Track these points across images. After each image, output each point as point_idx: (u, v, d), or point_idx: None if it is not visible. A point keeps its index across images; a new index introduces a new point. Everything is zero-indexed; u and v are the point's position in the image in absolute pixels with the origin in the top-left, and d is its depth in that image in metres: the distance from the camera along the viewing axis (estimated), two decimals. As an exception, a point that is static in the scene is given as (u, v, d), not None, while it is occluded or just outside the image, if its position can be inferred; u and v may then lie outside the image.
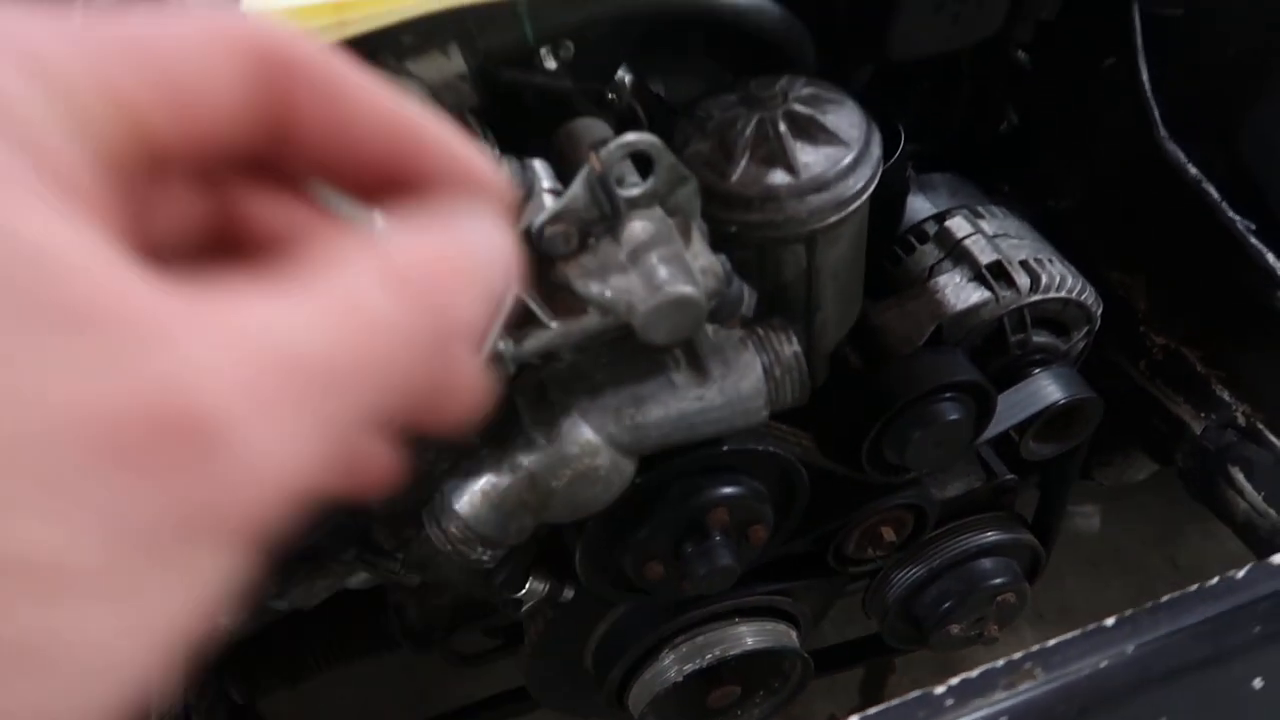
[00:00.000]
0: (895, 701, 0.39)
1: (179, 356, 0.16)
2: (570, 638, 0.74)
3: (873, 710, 0.40)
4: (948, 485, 0.77)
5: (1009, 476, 0.78)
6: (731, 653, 0.73)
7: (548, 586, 0.67)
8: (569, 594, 0.69)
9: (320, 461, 0.18)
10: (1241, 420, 0.80)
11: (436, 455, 0.53)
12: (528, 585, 0.67)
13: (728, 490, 0.59)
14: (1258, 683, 0.35)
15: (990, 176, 0.85)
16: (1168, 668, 0.36)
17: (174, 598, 0.16)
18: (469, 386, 0.22)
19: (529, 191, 0.45)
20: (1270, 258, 0.76)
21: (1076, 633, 0.37)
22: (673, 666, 0.73)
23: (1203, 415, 0.81)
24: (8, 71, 0.16)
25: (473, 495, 0.51)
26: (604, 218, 0.44)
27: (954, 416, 0.62)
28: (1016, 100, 0.86)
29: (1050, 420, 0.69)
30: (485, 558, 0.53)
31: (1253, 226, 0.77)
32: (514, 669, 1.11)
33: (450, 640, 0.88)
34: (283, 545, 0.18)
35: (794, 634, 0.77)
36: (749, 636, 0.74)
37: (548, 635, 0.73)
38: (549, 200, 0.45)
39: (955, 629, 0.82)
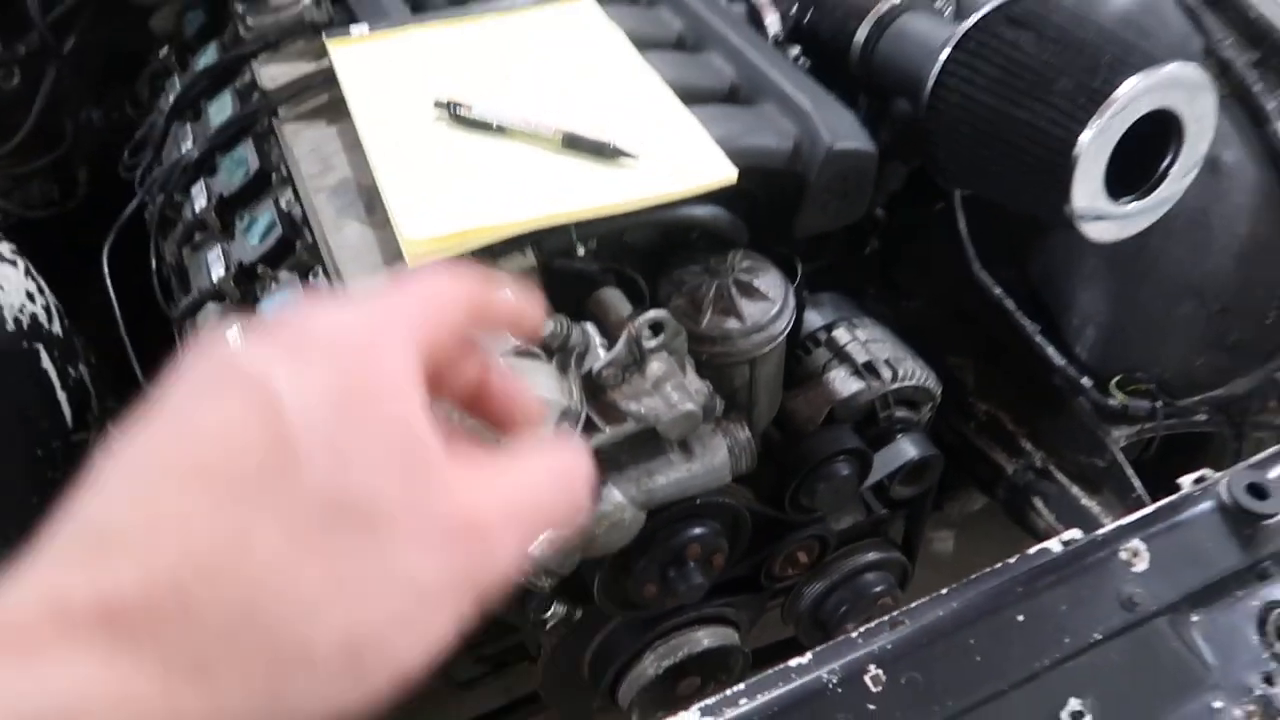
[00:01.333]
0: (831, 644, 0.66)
1: (478, 500, 0.31)
2: (575, 649, 0.99)
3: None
4: (841, 520, 1.06)
5: (883, 511, 1.08)
6: (694, 651, 0.99)
7: (566, 609, 0.93)
8: (578, 614, 0.94)
9: (516, 567, 0.33)
10: (1039, 463, 1.13)
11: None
12: (552, 608, 0.91)
13: (698, 531, 0.86)
14: (1020, 618, 0.65)
15: (860, 283, 1.17)
16: (976, 613, 0.65)
17: (455, 618, 0.30)
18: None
19: (586, 345, 0.72)
20: (1051, 350, 1.09)
21: (925, 599, 0.66)
22: (652, 664, 0.98)
23: (1013, 460, 1.13)
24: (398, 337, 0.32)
25: (542, 542, 0.76)
26: (635, 362, 0.71)
27: (845, 472, 0.92)
28: (877, 232, 1.19)
29: (909, 470, 0.99)
30: (546, 585, 0.78)
31: (1040, 328, 1.11)
32: (499, 691, 1.34)
33: (447, 666, 1.11)
34: None
35: (736, 636, 1.04)
36: (705, 638, 1.00)
37: (561, 648, 0.97)
38: (602, 351, 0.71)
39: (850, 628, 1.10)
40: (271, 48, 1.01)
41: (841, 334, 1.02)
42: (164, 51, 1.14)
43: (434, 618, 0.30)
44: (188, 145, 0.99)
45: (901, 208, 1.13)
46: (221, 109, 0.99)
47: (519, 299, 0.38)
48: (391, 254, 0.75)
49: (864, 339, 1.01)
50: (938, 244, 1.15)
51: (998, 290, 1.09)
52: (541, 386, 0.68)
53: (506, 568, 0.32)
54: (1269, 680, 0.67)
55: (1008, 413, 1.15)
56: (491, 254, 0.73)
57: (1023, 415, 1.15)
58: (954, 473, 1.12)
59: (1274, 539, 0.71)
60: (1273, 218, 1.07)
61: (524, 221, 0.72)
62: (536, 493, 0.34)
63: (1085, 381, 1.07)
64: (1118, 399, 1.07)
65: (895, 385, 0.98)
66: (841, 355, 1.00)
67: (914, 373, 1.00)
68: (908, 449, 0.99)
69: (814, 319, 1.05)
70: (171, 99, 1.05)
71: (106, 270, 0.95)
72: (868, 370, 0.98)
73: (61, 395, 0.87)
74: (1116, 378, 1.08)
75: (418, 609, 0.29)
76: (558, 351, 0.71)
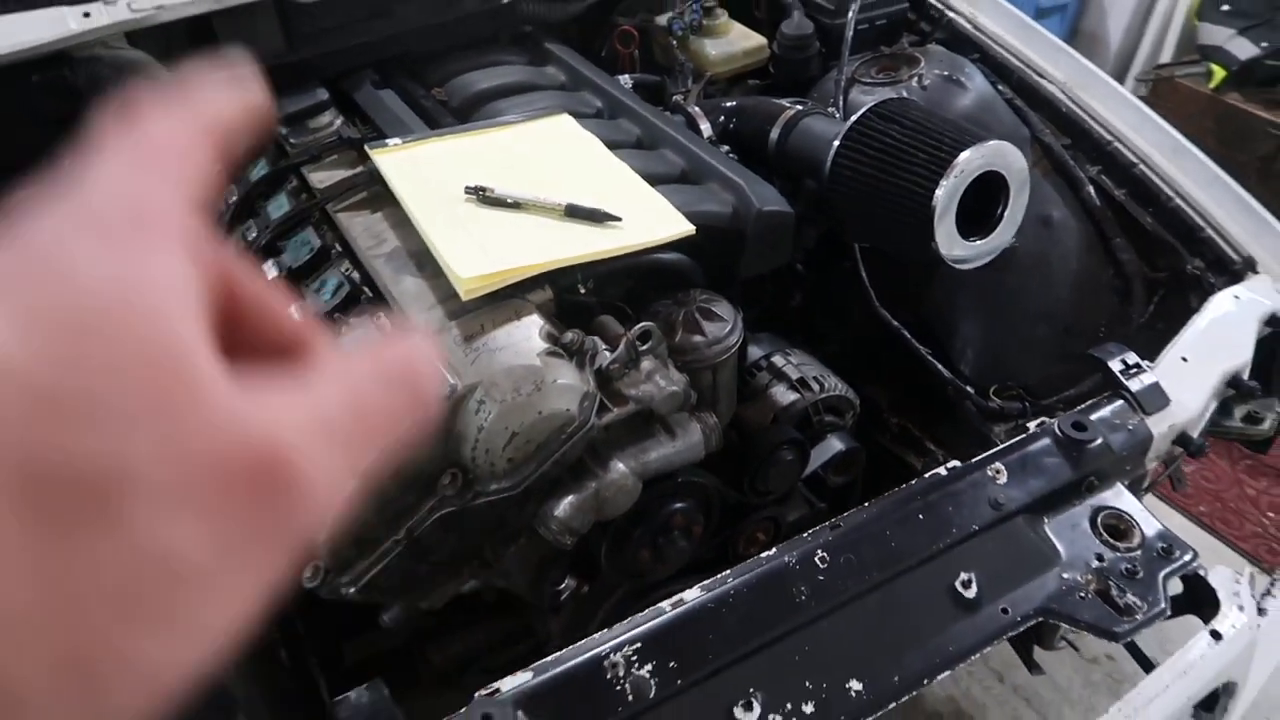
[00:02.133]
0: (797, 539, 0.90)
1: (267, 424, 0.23)
2: (584, 624, 1.21)
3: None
4: (790, 512, 1.31)
5: (821, 505, 1.33)
6: (679, 619, 1.21)
7: (576, 582, 1.15)
8: (585, 589, 1.16)
9: (346, 495, 0.25)
10: (942, 459, 1.40)
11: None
12: (565, 580, 1.14)
13: (680, 505, 1.10)
14: (921, 516, 0.91)
15: (789, 329, 1.45)
16: (891, 514, 0.91)
17: (252, 589, 0.23)
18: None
19: (595, 350, 0.97)
20: (944, 370, 1.39)
21: (855, 508, 0.92)
22: (646, 632, 1.20)
23: (921, 458, 1.41)
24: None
25: (566, 505, 0.99)
26: (632, 360, 0.97)
27: (790, 458, 1.18)
28: (801, 287, 1.49)
29: (838, 461, 1.26)
30: (568, 543, 1.01)
31: (931, 351, 1.41)
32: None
33: (462, 678, 1.31)
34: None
35: (712, 610, 1.27)
36: (688, 610, 1.23)
37: (573, 621, 1.19)
38: (606, 354, 0.97)
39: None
40: (315, 159, 1.28)
41: (778, 359, 1.29)
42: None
43: (212, 598, 0.23)
44: (252, 235, 1.24)
45: (817, 267, 1.44)
46: (279, 206, 1.25)
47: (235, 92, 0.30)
48: (444, 294, 1.01)
49: (796, 362, 1.30)
50: (847, 293, 1.45)
51: (895, 323, 1.38)
52: (566, 377, 0.94)
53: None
54: (1100, 559, 0.94)
55: (914, 422, 1.44)
56: (520, 289, 1.00)
57: (926, 423, 1.43)
58: (875, 475, 1.39)
59: (1094, 460, 0.99)
60: (1093, 258, 1.40)
61: (545, 263, 0.99)
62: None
63: (970, 390, 1.36)
64: (995, 403, 1.36)
65: (822, 395, 1.26)
66: (779, 375, 1.28)
67: (836, 386, 1.28)
68: (835, 444, 1.26)
69: (755, 351, 1.33)
70: (232, 202, 1.30)
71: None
72: (801, 385, 1.26)
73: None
74: (993, 386, 1.37)
75: (181, 593, 0.22)
76: (575, 354, 0.97)
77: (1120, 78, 3.39)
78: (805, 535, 0.90)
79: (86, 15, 1.28)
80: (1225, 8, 2.97)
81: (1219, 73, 2.97)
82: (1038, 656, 1.15)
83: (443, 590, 1.08)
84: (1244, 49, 2.90)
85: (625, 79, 1.49)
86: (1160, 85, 3.16)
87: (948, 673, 0.85)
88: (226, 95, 0.30)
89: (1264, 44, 2.86)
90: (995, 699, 1.74)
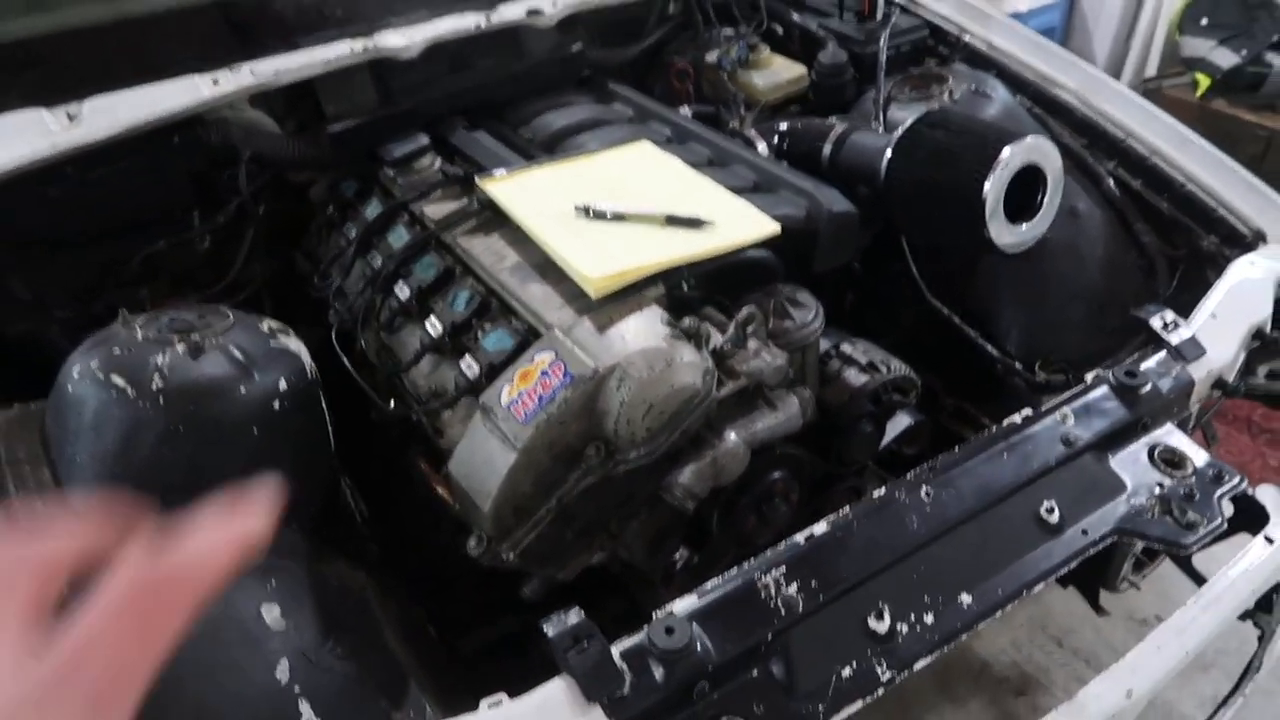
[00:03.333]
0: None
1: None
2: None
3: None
4: (868, 485, 1.45)
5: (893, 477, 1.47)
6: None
7: (688, 553, 1.28)
8: (696, 559, 1.30)
9: None
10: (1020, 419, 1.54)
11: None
12: (679, 550, 1.27)
13: (779, 474, 1.25)
14: (1005, 455, 1.06)
15: (845, 327, 1.60)
16: (978, 454, 1.05)
17: None
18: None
19: (709, 334, 1.12)
20: (990, 348, 1.54)
21: (949, 451, 1.06)
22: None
23: (972, 431, 1.55)
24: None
25: (689, 472, 1.13)
26: (740, 341, 1.12)
27: (869, 429, 1.33)
28: (854, 288, 1.64)
29: (908, 433, 1.41)
30: (690, 506, 1.15)
31: (978, 334, 1.56)
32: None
33: None
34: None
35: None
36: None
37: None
38: (718, 337, 1.12)
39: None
40: (424, 195, 1.44)
41: (846, 347, 1.44)
42: (329, 209, 1.56)
43: None
44: (377, 264, 1.40)
45: (869, 268, 1.60)
46: (399, 237, 1.41)
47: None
48: (570, 295, 1.16)
49: (862, 349, 1.44)
50: (897, 290, 1.60)
51: (946, 310, 1.54)
52: (690, 355, 1.08)
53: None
54: (1161, 486, 1.09)
55: (969, 401, 1.59)
56: (636, 287, 1.15)
57: (979, 400, 1.58)
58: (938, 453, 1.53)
59: (1146, 403, 1.14)
60: (1118, 243, 1.56)
61: (658, 262, 1.14)
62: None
63: (1017, 366, 1.51)
64: (1041, 376, 1.51)
65: (890, 376, 1.41)
66: (849, 360, 1.42)
67: (900, 368, 1.43)
68: (904, 419, 1.41)
69: (824, 343, 1.48)
70: (353, 237, 1.46)
71: (338, 348, 1.33)
72: (870, 368, 1.41)
73: (329, 428, 1.22)
74: (1038, 361, 1.52)
75: None
76: (693, 337, 1.12)
77: (1110, 92, 3.58)
78: (908, 476, 1.04)
79: (215, 82, 1.45)
80: (1204, 21, 3.18)
81: (1204, 81, 3.17)
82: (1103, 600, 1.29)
83: (577, 562, 1.22)
84: (1225, 58, 3.10)
85: (685, 109, 1.66)
86: (1149, 96, 3.34)
87: (1042, 585, 0.99)
88: (68, 533, 0.40)
89: (1243, 52, 3.07)
90: (1057, 663, 1.87)
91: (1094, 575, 1.31)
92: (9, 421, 1.13)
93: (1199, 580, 1.21)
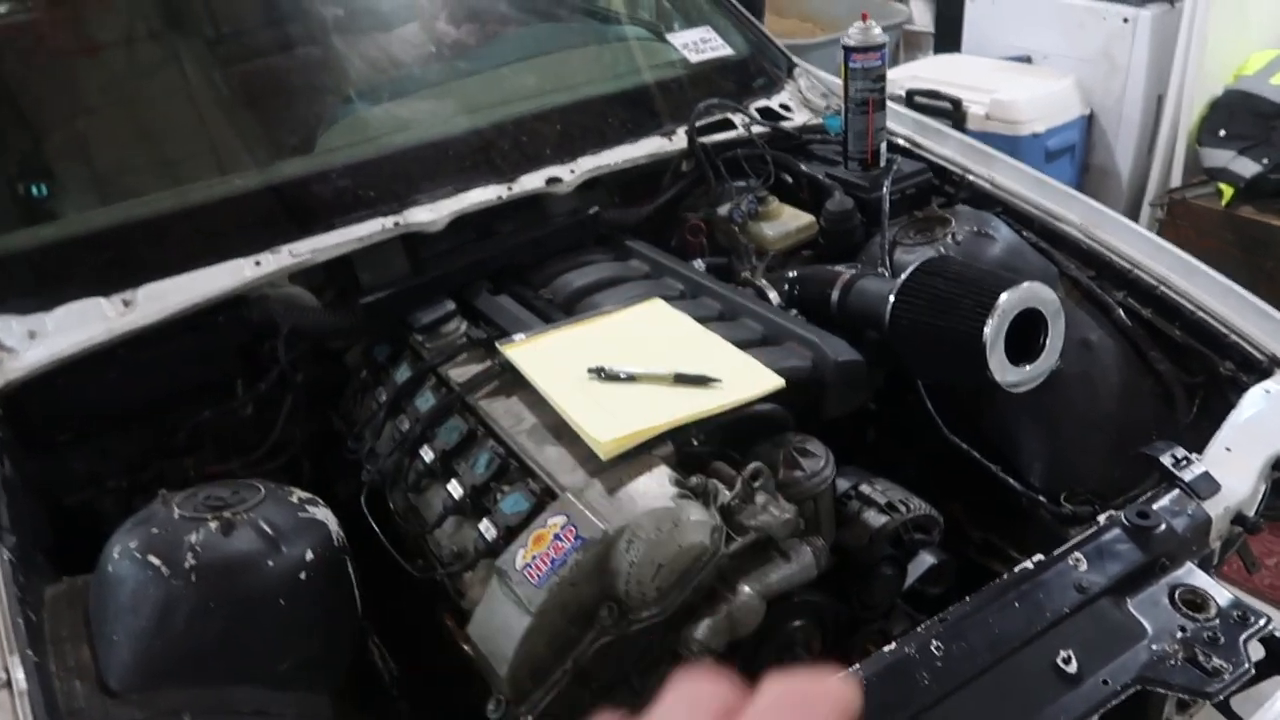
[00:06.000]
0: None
1: None
2: None
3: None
4: (895, 626, 1.44)
5: (921, 616, 1.46)
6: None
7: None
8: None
9: None
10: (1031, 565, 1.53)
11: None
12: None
13: (799, 622, 1.25)
14: (1016, 604, 1.05)
15: (868, 463, 1.62)
16: (990, 604, 1.05)
17: None
18: None
19: (716, 490, 1.16)
20: (1014, 483, 1.53)
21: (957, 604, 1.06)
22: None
23: (1005, 566, 1.53)
24: None
25: (704, 628, 1.15)
26: (748, 497, 1.15)
27: (890, 572, 1.33)
28: (874, 424, 1.66)
29: (932, 573, 1.40)
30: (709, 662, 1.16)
31: (1002, 468, 1.56)
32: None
33: None
34: None
35: None
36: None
37: None
38: (726, 493, 1.15)
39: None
40: (450, 359, 1.52)
41: (865, 488, 1.46)
42: (363, 374, 1.64)
43: None
44: (405, 426, 1.47)
45: (886, 403, 1.62)
46: (425, 400, 1.48)
47: None
48: (583, 457, 1.21)
49: (881, 489, 1.45)
50: (916, 424, 1.62)
51: (966, 446, 1.55)
52: (697, 514, 1.11)
53: None
54: (1183, 630, 1.07)
55: (995, 534, 1.57)
56: (646, 447, 1.19)
57: (1005, 533, 1.57)
58: (965, 588, 1.51)
59: (1161, 543, 1.13)
60: (1133, 371, 1.57)
61: (666, 422, 1.19)
62: None
63: (1042, 499, 1.50)
64: (1068, 508, 1.50)
65: (910, 515, 1.41)
66: (868, 501, 1.43)
67: (921, 506, 1.43)
68: (927, 558, 1.40)
69: (842, 483, 1.49)
70: (383, 400, 1.54)
71: (366, 509, 1.38)
72: (889, 508, 1.42)
73: (356, 592, 1.27)
74: (1064, 493, 1.52)
75: None
76: (701, 495, 1.15)
77: (1136, 204, 3.63)
78: (919, 629, 1.05)
79: (258, 264, 1.57)
80: (1221, 133, 3.22)
81: (1228, 190, 3.19)
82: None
83: (599, 720, 1.22)
84: (1247, 168, 3.13)
85: (699, 263, 1.74)
86: (1175, 207, 3.39)
87: (1064, 741, 0.97)
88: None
89: (1264, 160, 3.09)
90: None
91: (1135, 718, 1.27)
92: (56, 598, 1.20)
93: (1239, 723, 1.17)
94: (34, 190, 1.69)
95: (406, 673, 1.37)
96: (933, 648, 1.01)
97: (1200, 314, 1.52)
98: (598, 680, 1.15)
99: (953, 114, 3.46)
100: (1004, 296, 1.29)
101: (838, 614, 1.31)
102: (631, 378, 1.30)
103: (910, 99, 3.47)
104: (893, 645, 1.03)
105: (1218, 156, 3.26)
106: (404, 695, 1.33)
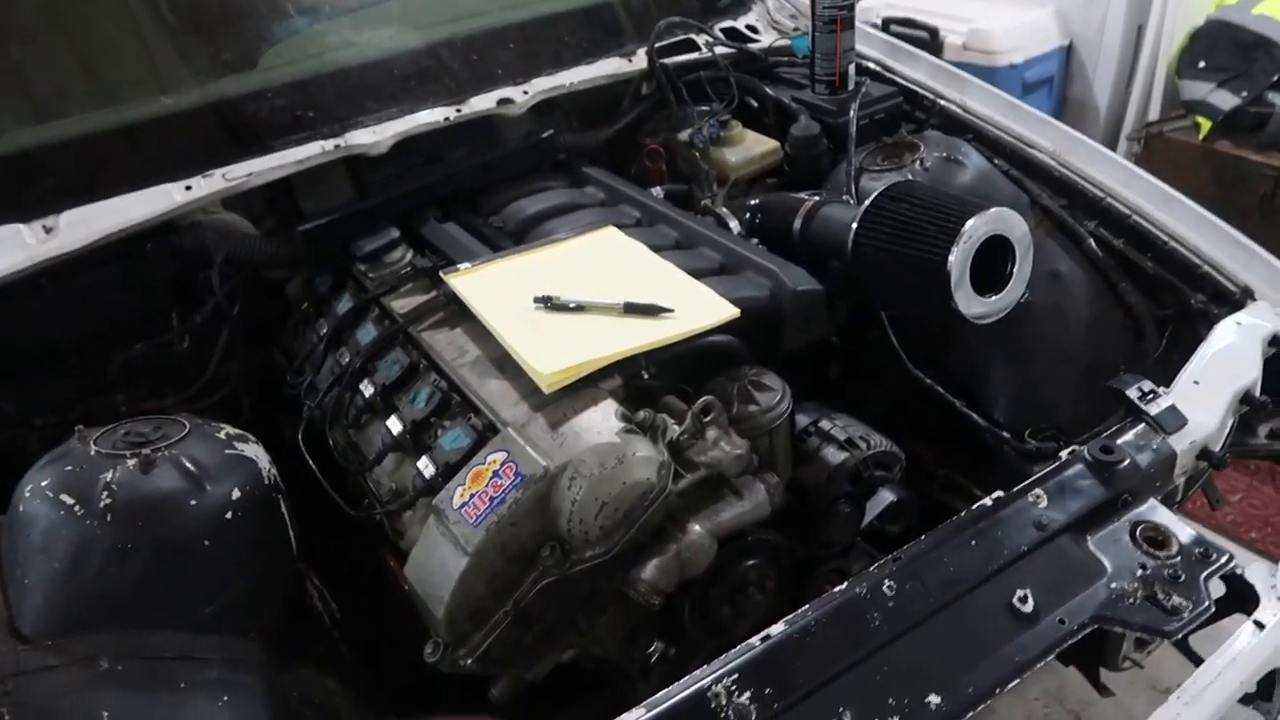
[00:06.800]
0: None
1: None
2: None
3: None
4: (853, 565, 1.41)
5: (880, 555, 1.43)
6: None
7: (664, 645, 1.24)
8: (673, 651, 1.26)
9: None
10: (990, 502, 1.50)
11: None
12: (654, 644, 1.23)
13: (753, 561, 1.21)
14: (973, 542, 1.01)
15: (831, 398, 1.57)
16: (946, 542, 1.01)
17: None
18: None
19: (665, 425, 1.10)
20: (980, 420, 1.49)
21: (912, 541, 1.02)
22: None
23: (967, 503, 1.50)
24: None
25: (651, 567, 1.10)
26: (698, 431, 1.10)
27: (847, 510, 1.29)
28: (837, 359, 1.61)
29: (892, 510, 1.36)
30: (656, 602, 1.12)
31: (967, 404, 1.51)
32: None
33: None
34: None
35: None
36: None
37: (663, 685, 1.28)
38: (675, 428, 1.10)
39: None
40: (393, 289, 1.44)
41: (824, 424, 1.41)
42: (304, 306, 1.56)
43: None
44: (345, 360, 1.40)
45: (850, 338, 1.57)
46: (367, 333, 1.41)
47: None
48: (526, 391, 1.15)
49: (841, 425, 1.41)
50: (881, 359, 1.57)
51: (929, 381, 1.50)
52: (644, 450, 1.06)
53: None
54: (1144, 567, 1.04)
55: (959, 471, 1.54)
56: (593, 379, 1.13)
57: (969, 470, 1.53)
58: (930, 526, 1.48)
59: (1124, 479, 1.09)
60: (1103, 303, 1.53)
61: (612, 354, 1.13)
62: None
63: (1006, 435, 1.46)
64: (1032, 444, 1.46)
65: (870, 451, 1.37)
66: (827, 438, 1.39)
67: (881, 443, 1.39)
68: (887, 495, 1.37)
69: (802, 419, 1.45)
70: (324, 333, 1.46)
71: (304, 448, 1.32)
72: (848, 444, 1.37)
73: (291, 532, 1.21)
74: (1028, 429, 1.48)
75: None
76: (648, 430, 1.09)
77: (1113, 138, 3.56)
78: (872, 568, 1.00)
79: (188, 188, 1.47)
80: (1201, 64, 3.15)
81: (1205, 124, 3.13)
82: (1105, 679, 1.23)
83: (544, 661, 1.18)
84: (1225, 100, 3.07)
85: (657, 190, 1.66)
86: (1152, 141, 3.33)
87: (1017, 681, 0.94)
88: None
89: (1243, 93, 3.03)
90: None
91: (1093, 655, 1.25)
92: (-26, 539, 1.13)
93: (1196, 660, 1.14)
94: (-56, 108, 1.57)
95: (350, 616, 1.33)
96: (885, 588, 0.97)
97: (1173, 244, 1.47)
98: (541, 622, 1.11)
99: (929, 44, 3.35)
100: (970, 222, 1.23)
101: (793, 553, 1.27)
102: (580, 308, 1.24)
103: (886, 27, 3.36)
104: (844, 585, 0.98)
105: (1196, 89, 3.18)
106: (346, 638, 1.28)
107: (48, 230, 1.41)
